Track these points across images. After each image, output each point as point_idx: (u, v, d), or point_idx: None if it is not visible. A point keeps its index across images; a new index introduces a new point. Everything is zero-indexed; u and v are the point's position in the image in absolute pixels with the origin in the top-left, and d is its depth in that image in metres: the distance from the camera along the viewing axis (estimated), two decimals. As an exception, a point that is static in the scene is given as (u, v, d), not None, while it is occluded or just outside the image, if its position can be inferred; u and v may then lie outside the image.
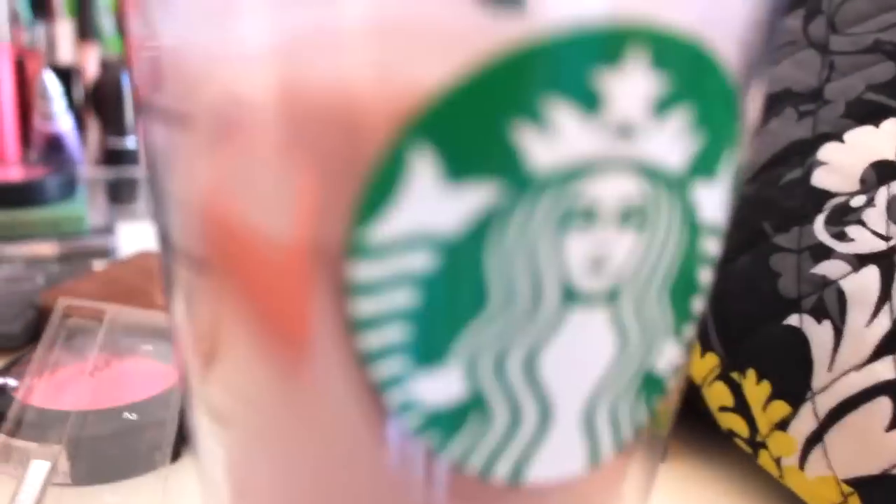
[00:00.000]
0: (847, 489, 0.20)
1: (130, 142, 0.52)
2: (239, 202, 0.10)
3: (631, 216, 0.10)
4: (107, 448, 0.23)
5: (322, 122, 0.09)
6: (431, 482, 0.11)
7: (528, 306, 0.10)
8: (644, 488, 0.14)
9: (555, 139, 0.09)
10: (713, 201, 0.11)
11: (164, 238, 0.12)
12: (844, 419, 0.20)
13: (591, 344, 0.10)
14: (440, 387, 0.10)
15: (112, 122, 0.52)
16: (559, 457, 0.11)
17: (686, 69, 0.09)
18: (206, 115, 0.10)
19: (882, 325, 0.20)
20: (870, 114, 0.24)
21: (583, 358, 0.10)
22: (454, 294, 0.09)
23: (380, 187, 0.09)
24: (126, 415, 0.23)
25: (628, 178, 0.09)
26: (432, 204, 0.09)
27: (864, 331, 0.20)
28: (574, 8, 0.09)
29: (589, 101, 0.09)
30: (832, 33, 0.28)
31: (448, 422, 0.10)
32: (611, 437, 0.11)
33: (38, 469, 0.21)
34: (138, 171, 0.52)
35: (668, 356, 0.12)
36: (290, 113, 0.09)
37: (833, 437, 0.20)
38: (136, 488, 0.23)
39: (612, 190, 0.09)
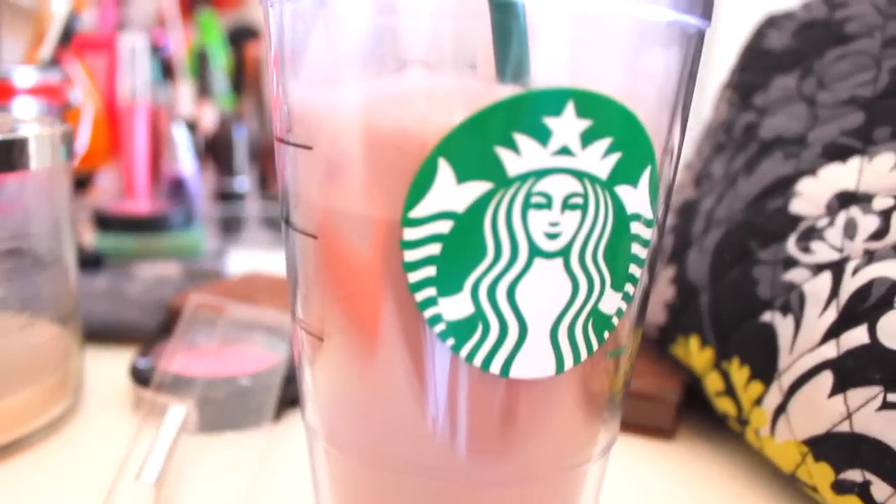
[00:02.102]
0: (804, 449, 0.25)
1: (239, 183, 0.61)
2: (338, 193, 0.17)
3: (571, 203, 0.16)
4: (225, 406, 0.30)
5: (388, 147, 0.16)
6: (453, 372, 0.17)
7: (508, 257, 0.16)
8: (612, 408, 0.20)
9: (522, 157, 0.15)
10: (637, 199, 0.17)
11: (287, 220, 0.19)
12: (800, 390, 0.25)
13: (551, 284, 0.16)
14: (455, 307, 0.16)
15: (225, 166, 0.61)
16: (534, 360, 0.17)
17: (603, 114, 0.16)
18: (321, 145, 0.17)
19: (830, 316, 0.25)
20: (840, 153, 0.30)
21: (546, 293, 0.17)
22: (462, 248, 0.16)
23: (419, 185, 0.16)
24: (242, 381, 0.30)
25: (569, 179, 0.16)
26: (448, 195, 0.15)
27: (816, 321, 0.25)
28: (537, 81, 0.15)
29: (542, 134, 0.15)
30: (820, 90, 0.33)
31: (461, 330, 0.16)
32: (571, 352, 0.17)
33: (175, 414, 0.28)
34: (244, 210, 0.60)
35: (611, 302, 0.18)
36: (370, 142, 0.16)
37: (793, 406, 0.26)
38: (246, 438, 0.30)
39: (559, 186, 0.16)
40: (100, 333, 0.38)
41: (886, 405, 0.22)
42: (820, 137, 0.31)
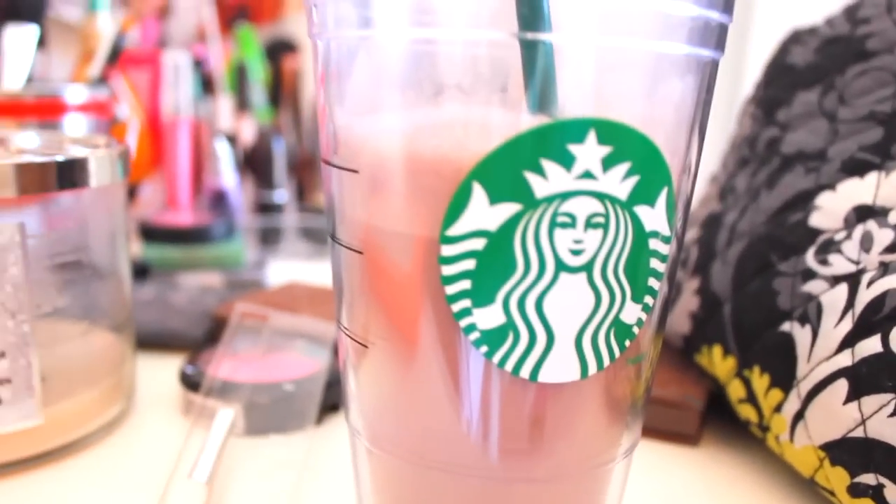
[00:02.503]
0: (821, 454, 0.26)
1: (278, 195, 0.63)
2: (382, 213, 0.19)
3: (594, 222, 0.17)
4: (270, 410, 0.32)
5: (427, 172, 0.17)
6: (486, 378, 0.19)
7: (536, 271, 0.17)
8: (634, 412, 0.21)
9: (548, 181, 0.17)
10: (655, 217, 0.18)
11: (334, 236, 0.21)
12: (817, 397, 0.26)
13: (575, 296, 0.18)
14: (489, 317, 0.18)
15: (264, 179, 0.63)
16: (560, 366, 0.18)
17: (622, 141, 0.17)
18: (364, 168, 0.19)
19: (845, 326, 0.26)
20: (858, 168, 0.31)
21: (571, 304, 0.18)
22: (495, 263, 0.17)
23: (455, 206, 0.17)
24: (286, 387, 0.32)
25: (591, 200, 0.17)
26: (482, 215, 0.17)
27: (833, 331, 0.27)
28: (563, 111, 0.17)
29: (566, 160, 0.17)
30: (840, 105, 0.34)
31: (493, 338, 0.18)
32: (594, 359, 0.19)
33: (224, 417, 0.30)
34: (283, 221, 0.63)
35: (632, 313, 0.19)
36: (411, 167, 0.18)
37: (810, 412, 0.27)
38: (290, 440, 0.31)
39: (582, 207, 0.17)
40: (149, 340, 0.40)
41: (899, 411, 0.23)
42: (839, 152, 0.32)
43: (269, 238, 0.62)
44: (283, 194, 0.64)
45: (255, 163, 0.65)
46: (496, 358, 0.18)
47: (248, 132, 0.72)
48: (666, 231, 0.19)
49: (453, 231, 0.17)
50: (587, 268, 0.18)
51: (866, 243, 0.28)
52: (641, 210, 0.18)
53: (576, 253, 0.18)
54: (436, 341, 0.19)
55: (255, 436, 0.32)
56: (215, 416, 0.30)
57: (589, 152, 0.17)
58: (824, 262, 0.28)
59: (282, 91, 0.85)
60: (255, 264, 0.55)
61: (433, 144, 0.18)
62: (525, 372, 0.18)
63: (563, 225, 0.17)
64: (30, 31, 0.54)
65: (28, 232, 0.27)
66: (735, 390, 0.31)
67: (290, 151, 0.73)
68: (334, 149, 0.20)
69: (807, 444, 0.27)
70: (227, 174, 0.59)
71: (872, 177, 0.30)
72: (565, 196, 0.17)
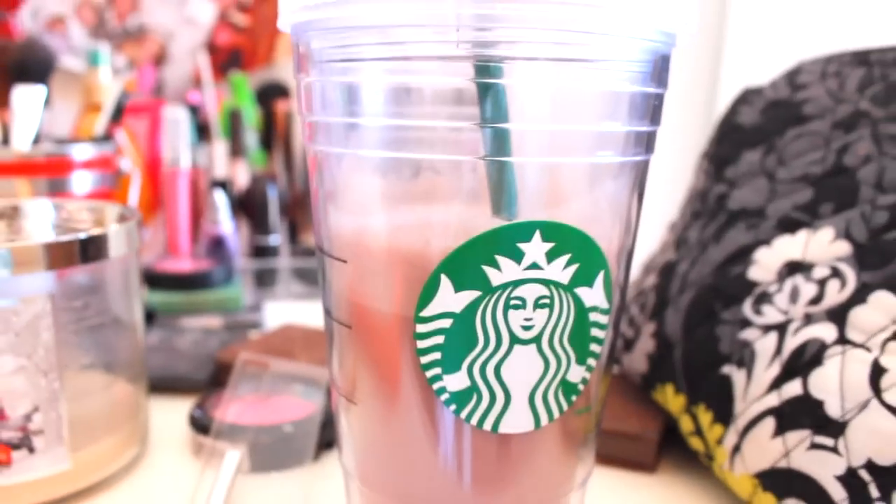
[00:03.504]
0: (755, 481, 0.30)
1: (273, 239, 0.67)
2: (367, 295, 0.22)
3: (541, 303, 0.21)
4: (272, 450, 0.35)
5: (404, 264, 0.21)
6: (456, 430, 0.22)
7: (494, 344, 0.21)
8: (586, 452, 0.25)
9: (502, 272, 0.21)
10: (593, 295, 0.22)
11: (328, 311, 0.25)
12: (751, 432, 0.30)
13: (527, 363, 0.22)
14: (456, 381, 0.22)
15: (259, 224, 0.67)
16: (517, 420, 0.22)
17: (563, 238, 0.21)
18: (353, 259, 0.23)
19: (774, 370, 0.30)
20: (791, 226, 0.35)
21: (523, 369, 0.22)
22: (460, 338, 0.21)
23: (427, 293, 0.21)
24: (286, 428, 0.36)
25: (538, 286, 0.21)
26: (449, 300, 0.21)
27: (763, 374, 0.30)
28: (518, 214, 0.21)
29: (517, 255, 0.21)
30: (779, 165, 0.38)
31: (461, 398, 0.22)
32: (545, 412, 0.23)
33: (232, 458, 0.34)
34: (277, 263, 0.66)
35: (577, 373, 0.23)
36: (390, 260, 0.22)
37: (745, 445, 0.30)
38: (291, 476, 0.35)
39: (531, 292, 0.21)
40: (157, 384, 0.44)
41: (814, 446, 0.27)
42: (776, 211, 0.36)
43: (264, 280, 0.65)
44: (277, 238, 0.67)
45: (249, 208, 0.69)
46: (463, 414, 0.22)
47: (242, 177, 0.76)
48: (604, 305, 0.23)
49: (426, 313, 0.21)
50: (536, 340, 0.22)
51: (794, 296, 0.32)
52: (581, 290, 0.22)
53: (526, 328, 0.21)
54: (413, 400, 0.22)
55: (259, 473, 0.35)
56: (224, 457, 0.33)
57: (535, 248, 0.21)
58: (758, 312, 0.32)
59: (274, 134, 0.89)
60: (252, 307, 0.59)
61: (408, 242, 0.21)
62: (487, 425, 0.22)
63: (515, 307, 0.21)
64: (38, 91, 0.57)
65: (56, 301, 0.30)
66: (685, 424, 0.35)
67: (282, 193, 0.77)
68: (327, 239, 0.24)
69: (743, 473, 0.31)
70: (224, 222, 0.63)
71: (802, 234, 0.34)
72: (516, 283, 0.21)
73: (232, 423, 0.36)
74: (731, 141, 0.43)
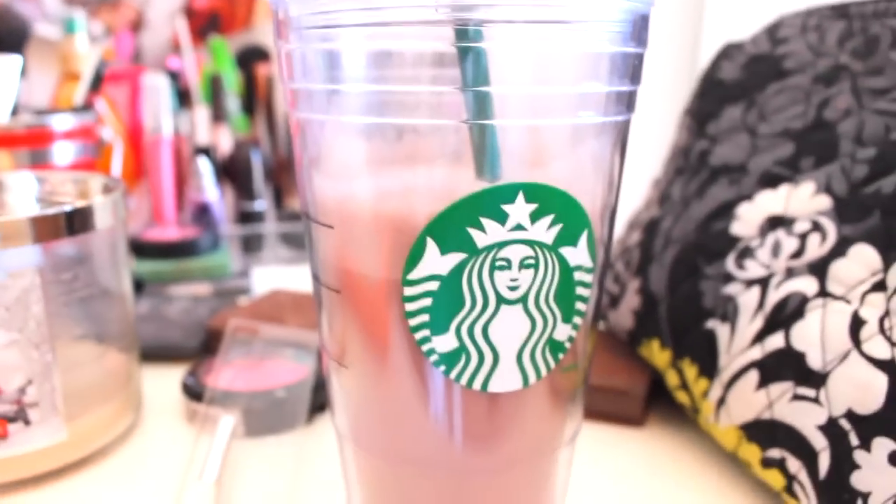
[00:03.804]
0: (740, 433, 0.31)
1: (258, 205, 0.67)
2: (354, 260, 0.23)
3: (526, 263, 0.22)
4: (265, 415, 0.36)
5: (390, 229, 0.22)
6: (446, 390, 0.23)
7: (481, 305, 0.22)
8: (574, 408, 0.26)
9: (487, 234, 0.21)
10: (578, 254, 0.23)
11: (316, 277, 0.25)
12: (735, 385, 0.31)
13: (514, 323, 0.22)
14: (445, 342, 0.22)
15: (244, 190, 0.66)
16: (505, 378, 0.23)
17: (546, 198, 0.21)
18: (339, 224, 0.23)
19: (757, 324, 0.31)
20: (772, 181, 0.35)
21: (510, 329, 0.22)
22: (448, 300, 0.22)
23: (414, 256, 0.21)
24: (278, 393, 0.36)
25: (523, 247, 0.21)
26: (435, 263, 0.21)
27: (747, 328, 0.31)
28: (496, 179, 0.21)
29: (501, 217, 0.21)
30: (760, 120, 0.39)
31: (450, 359, 0.22)
32: (533, 371, 0.23)
33: (226, 424, 0.34)
34: (263, 228, 0.66)
35: (563, 332, 0.23)
36: (377, 225, 0.22)
37: (730, 398, 0.31)
38: (284, 440, 0.36)
39: (516, 253, 0.21)
40: (149, 353, 0.44)
41: (796, 397, 0.28)
42: (758, 166, 0.36)
43: (251, 246, 0.65)
44: (262, 203, 0.67)
45: (233, 174, 0.68)
46: (453, 374, 0.22)
47: (224, 143, 0.75)
48: (588, 263, 0.23)
49: (413, 276, 0.21)
50: (522, 300, 0.22)
51: (776, 250, 0.32)
52: (566, 250, 0.22)
53: (512, 289, 0.22)
54: (403, 362, 0.23)
55: (253, 438, 0.36)
56: (218, 423, 0.34)
57: (519, 210, 0.21)
58: (741, 267, 0.33)
59: (255, 98, 0.88)
60: (240, 273, 0.59)
61: (393, 207, 0.22)
62: (477, 385, 0.23)
63: (501, 268, 0.21)
64: (14, 61, 0.57)
65: (45, 274, 0.30)
66: (671, 378, 0.36)
67: (266, 158, 0.77)
68: (312, 205, 0.24)
69: (728, 425, 0.31)
70: (209, 189, 0.62)
71: (784, 189, 0.34)
72: (501, 245, 0.21)
73: (225, 389, 0.36)
74: (712, 96, 0.43)
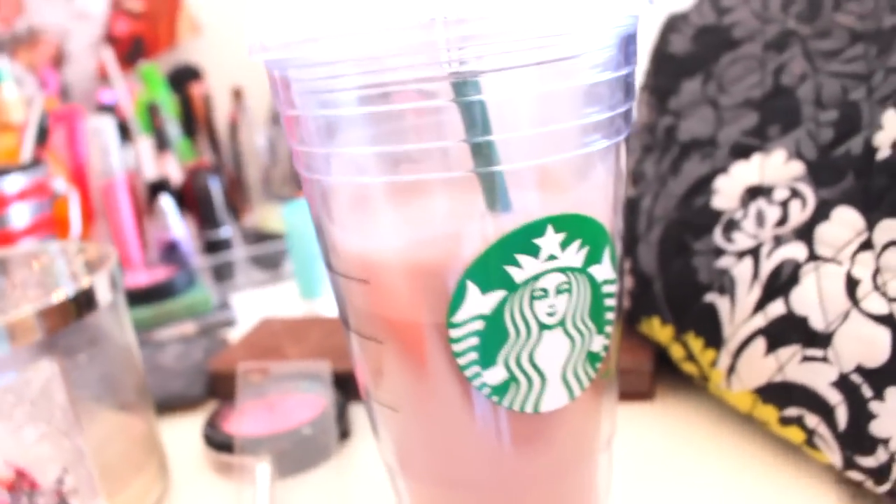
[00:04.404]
0: (754, 396, 0.33)
1: (224, 231, 0.66)
2: (394, 309, 0.23)
3: (561, 289, 0.23)
4: (295, 454, 0.36)
5: (430, 276, 0.22)
6: (498, 418, 0.24)
7: (525, 335, 0.23)
8: (609, 408, 0.27)
9: (523, 269, 0.22)
10: (603, 270, 0.24)
11: (348, 326, 0.26)
12: (743, 353, 0.33)
13: (556, 345, 0.23)
14: (495, 375, 0.23)
15: (207, 219, 0.66)
16: (554, 397, 0.24)
17: (573, 226, 0.22)
18: (376, 280, 0.23)
19: (755, 293, 0.33)
20: (743, 151, 0.37)
21: (553, 352, 0.23)
22: (493, 336, 0.22)
23: (456, 299, 0.22)
24: (304, 431, 0.37)
25: (557, 275, 0.22)
26: (478, 303, 0.22)
27: (746, 298, 0.33)
28: (524, 217, 0.22)
29: (534, 251, 0.22)
30: (720, 92, 0.40)
31: (501, 389, 0.23)
32: (577, 385, 0.24)
33: (263, 471, 0.35)
34: (233, 255, 0.66)
35: (598, 343, 0.25)
36: (416, 274, 0.22)
37: (740, 365, 0.33)
38: (320, 473, 0.36)
39: (551, 281, 0.22)
40: (156, 408, 0.44)
41: (805, 359, 0.30)
42: (727, 138, 0.38)
43: (222, 274, 0.65)
44: (228, 230, 0.67)
45: (192, 203, 0.67)
46: (505, 402, 0.23)
47: (173, 172, 0.74)
48: (612, 276, 0.25)
49: (457, 318, 0.22)
50: (561, 323, 0.23)
51: (760, 220, 0.34)
52: (594, 269, 0.23)
53: (551, 314, 0.23)
54: (456, 399, 0.24)
55: (286, 478, 0.36)
56: (255, 472, 0.34)
57: (549, 241, 0.22)
58: (730, 240, 0.35)
59: (194, 120, 0.87)
60: (220, 305, 0.59)
61: (430, 255, 0.22)
62: (528, 408, 0.24)
63: (539, 297, 0.22)
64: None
65: (60, 360, 0.30)
66: (676, 352, 0.37)
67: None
68: (337, 260, 0.25)
69: (741, 390, 0.33)
70: (175, 225, 0.62)
71: (756, 159, 0.36)
72: (537, 277, 0.22)
73: (251, 435, 0.37)
74: (667, 72, 0.45)
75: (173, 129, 0.81)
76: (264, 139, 0.89)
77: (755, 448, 0.34)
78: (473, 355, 0.23)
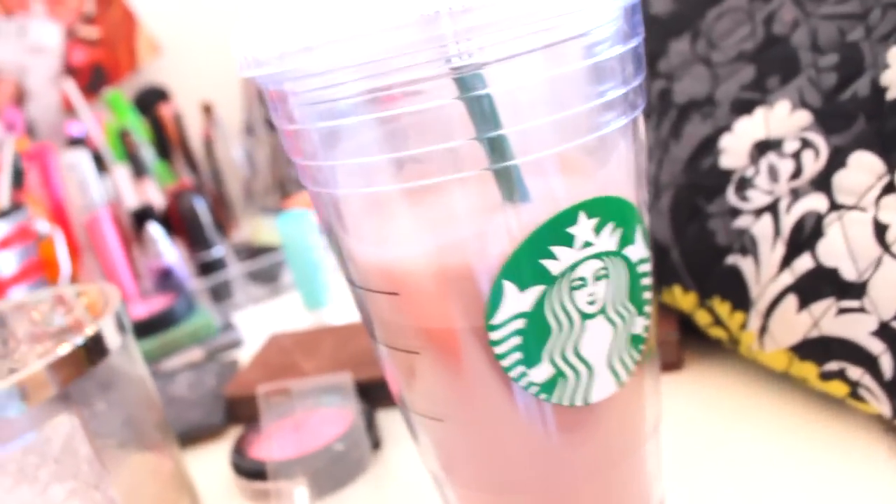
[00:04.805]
0: (790, 354, 0.32)
1: (216, 251, 0.65)
2: (428, 319, 0.22)
3: (599, 275, 0.22)
4: (330, 471, 0.35)
5: (463, 279, 0.21)
6: (547, 414, 0.23)
7: (567, 327, 0.22)
8: (654, 391, 0.26)
9: (559, 260, 0.21)
10: (637, 250, 0.23)
11: (377, 338, 0.25)
12: (774, 312, 0.32)
13: (600, 333, 0.22)
14: (541, 372, 0.22)
15: (197, 241, 0.64)
16: (602, 386, 0.23)
17: (604, 209, 0.21)
18: (406, 291, 0.22)
19: (779, 250, 0.32)
20: (745, 107, 0.36)
21: (598, 341, 0.22)
22: (535, 333, 0.22)
23: (494, 300, 0.21)
24: (336, 447, 0.36)
25: (594, 261, 0.22)
26: (517, 301, 0.21)
27: (770, 256, 0.32)
28: (551, 207, 0.21)
29: (568, 240, 0.21)
30: (711, 49, 0.39)
31: (548, 386, 0.22)
32: (624, 370, 0.23)
33: (301, 494, 0.34)
34: (229, 274, 0.64)
35: (639, 324, 0.24)
36: (449, 280, 0.22)
37: (772, 325, 0.32)
38: (358, 488, 0.35)
39: (589, 269, 0.21)
40: (180, 440, 0.43)
41: (841, 311, 0.29)
42: (725, 95, 0.37)
43: (219, 295, 0.63)
44: (220, 249, 0.65)
45: (179, 227, 0.66)
46: (554, 398, 0.23)
47: (154, 197, 0.72)
48: (646, 254, 0.24)
49: (496, 320, 0.21)
50: (602, 310, 0.22)
51: (773, 175, 0.33)
52: (628, 250, 0.23)
53: (591, 303, 0.22)
54: (502, 401, 0.23)
55: (325, 497, 0.35)
56: (293, 497, 0.33)
57: (583, 228, 0.21)
58: (744, 199, 0.34)
59: (167, 141, 0.85)
60: (223, 327, 0.57)
61: (459, 259, 0.21)
62: (578, 401, 0.23)
63: (578, 287, 0.22)
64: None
65: (79, 411, 0.29)
66: (702, 318, 0.37)
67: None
68: (359, 274, 0.24)
69: (775, 350, 0.33)
70: (167, 252, 0.60)
71: (760, 113, 0.35)
72: (574, 266, 0.21)
73: (283, 459, 0.36)
74: (652, 34, 0.44)
75: (147, 153, 0.79)
76: (240, 151, 0.88)
77: (794, 406, 0.34)
78: (517, 355, 0.22)
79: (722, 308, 0.35)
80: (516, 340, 0.22)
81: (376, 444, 0.38)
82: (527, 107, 0.21)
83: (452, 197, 0.22)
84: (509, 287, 0.21)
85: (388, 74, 0.20)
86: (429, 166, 0.21)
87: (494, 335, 0.22)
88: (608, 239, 0.22)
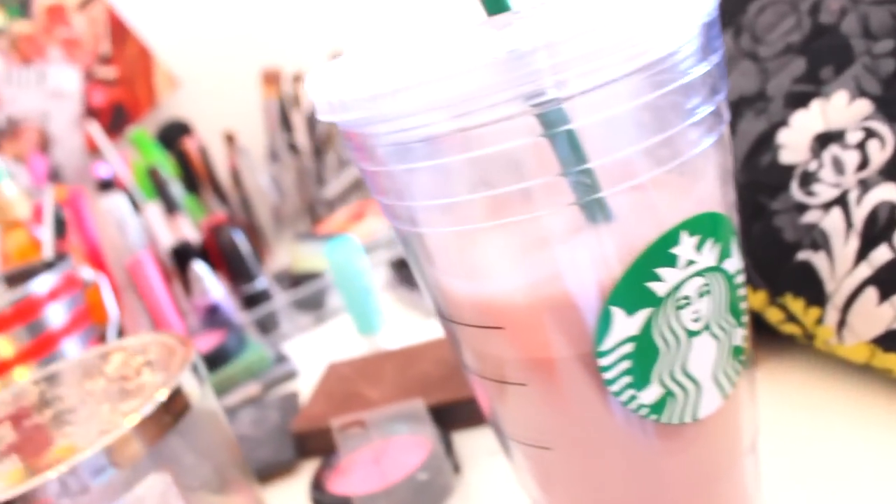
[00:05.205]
0: (872, 346, 0.32)
1: (260, 283, 0.65)
2: (537, 347, 0.22)
3: (702, 292, 0.22)
4: (416, 500, 0.35)
5: (566, 309, 0.21)
6: (657, 434, 0.23)
7: (675, 346, 0.22)
8: (752, 398, 0.26)
9: (664, 281, 0.21)
10: (734, 262, 0.23)
11: (472, 371, 0.25)
12: (853, 306, 0.32)
13: (705, 349, 0.22)
14: (650, 394, 0.22)
15: (240, 274, 0.64)
16: (709, 401, 0.23)
17: (703, 227, 0.21)
18: (513, 324, 0.22)
19: (853, 243, 0.32)
20: (800, 100, 0.36)
21: (704, 357, 0.22)
22: (644, 355, 0.21)
23: (602, 327, 0.21)
24: (419, 477, 0.36)
25: (697, 279, 0.21)
26: (625, 326, 0.21)
27: (844, 250, 0.32)
28: (657, 229, 0.21)
29: (672, 261, 0.21)
30: (756, 44, 0.39)
31: (658, 407, 0.22)
32: (728, 382, 0.23)
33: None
34: (275, 304, 0.65)
35: (739, 335, 0.24)
36: (550, 310, 0.21)
37: (851, 319, 0.32)
38: (442, 515, 0.35)
39: (692, 287, 0.21)
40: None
41: (928, 300, 0.29)
42: (777, 89, 0.37)
43: (266, 326, 0.64)
44: (263, 281, 0.65)
45: (219, 261, 0.66)
46: (664, 418, 0.22)
47: (189, 232, 0.72)
48: (741, 264, 0.23)
49: (605, 346, 0.21)
50: (707, 327, 0.22)
51: (839, 167, 0.33)
52: (726, 263, 0.22)
53: (696, 320, 0.22)
54: (613, 426, 0.23)
55: (414, 526, 0.35)
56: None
57: (686, 247, 0.21)
58: (810, 193, 0.34)
59: (194, 174, 0.85)
60: (278, 358, 0.57)
61: (559, 289, 0.21)
62: (687, 418, 0.23)
63: (684, 306, 0.21)
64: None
65: (170, 467, 0.29)
66: (773, 315, 0.36)
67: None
68: (456, 309, 0.24)
69: (856, 343, 0.32)
70: (214, 288, 0.60)
71: (816, 105, 0.35)
72: (679, 286, 0.21)
73: (366, 493, 0.36)
74: (689, 32, 0.44)
75: (176, 188, 0.79)
76: (267, 178, 0.88)
77: (878, 398, 0.33)
78: (627, 379, 0.22)
79: (795, 304, 0.35)
80: (626, 364, 0.22)
81: (456, 467, 0.38)
82: (617, 133, 0.21)
83: (542, 227, 0.21)
84: (618, 312, 0.21)
85: (481, 111, 0.20)
86: (513, 197, 0.21)
87: (603, 361, 0.22)
88: (708, 255, 0.22)
